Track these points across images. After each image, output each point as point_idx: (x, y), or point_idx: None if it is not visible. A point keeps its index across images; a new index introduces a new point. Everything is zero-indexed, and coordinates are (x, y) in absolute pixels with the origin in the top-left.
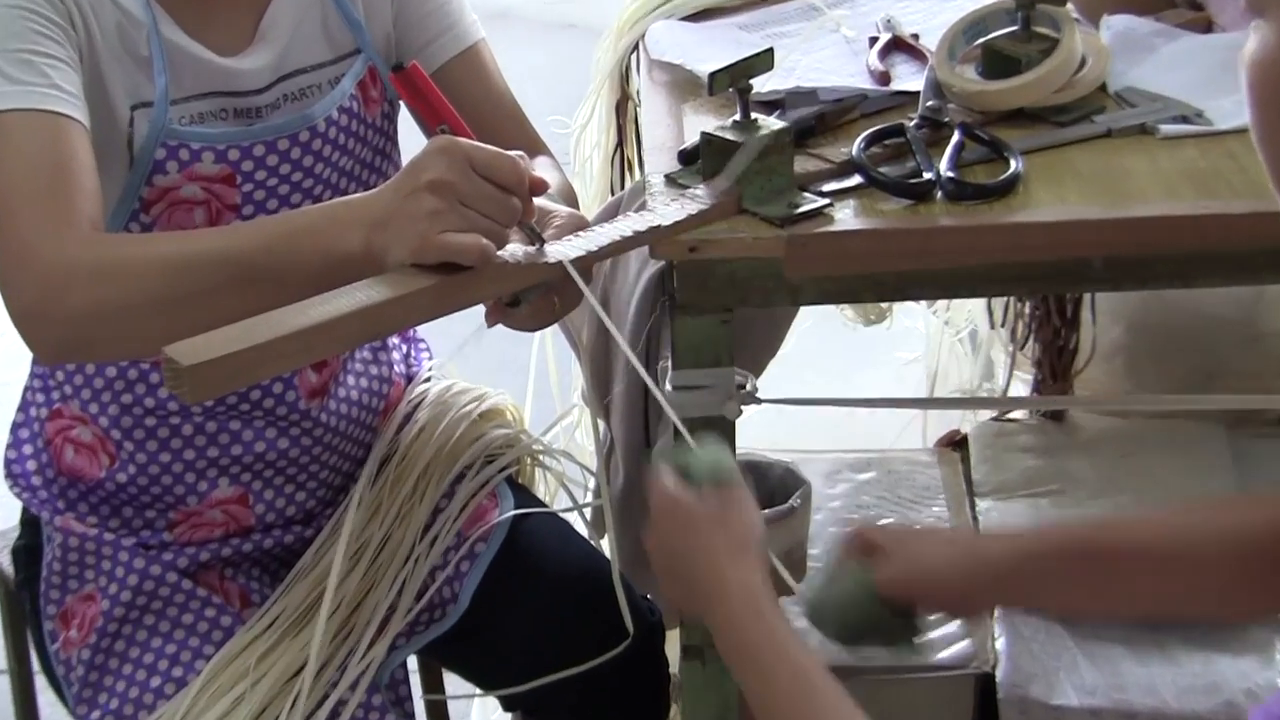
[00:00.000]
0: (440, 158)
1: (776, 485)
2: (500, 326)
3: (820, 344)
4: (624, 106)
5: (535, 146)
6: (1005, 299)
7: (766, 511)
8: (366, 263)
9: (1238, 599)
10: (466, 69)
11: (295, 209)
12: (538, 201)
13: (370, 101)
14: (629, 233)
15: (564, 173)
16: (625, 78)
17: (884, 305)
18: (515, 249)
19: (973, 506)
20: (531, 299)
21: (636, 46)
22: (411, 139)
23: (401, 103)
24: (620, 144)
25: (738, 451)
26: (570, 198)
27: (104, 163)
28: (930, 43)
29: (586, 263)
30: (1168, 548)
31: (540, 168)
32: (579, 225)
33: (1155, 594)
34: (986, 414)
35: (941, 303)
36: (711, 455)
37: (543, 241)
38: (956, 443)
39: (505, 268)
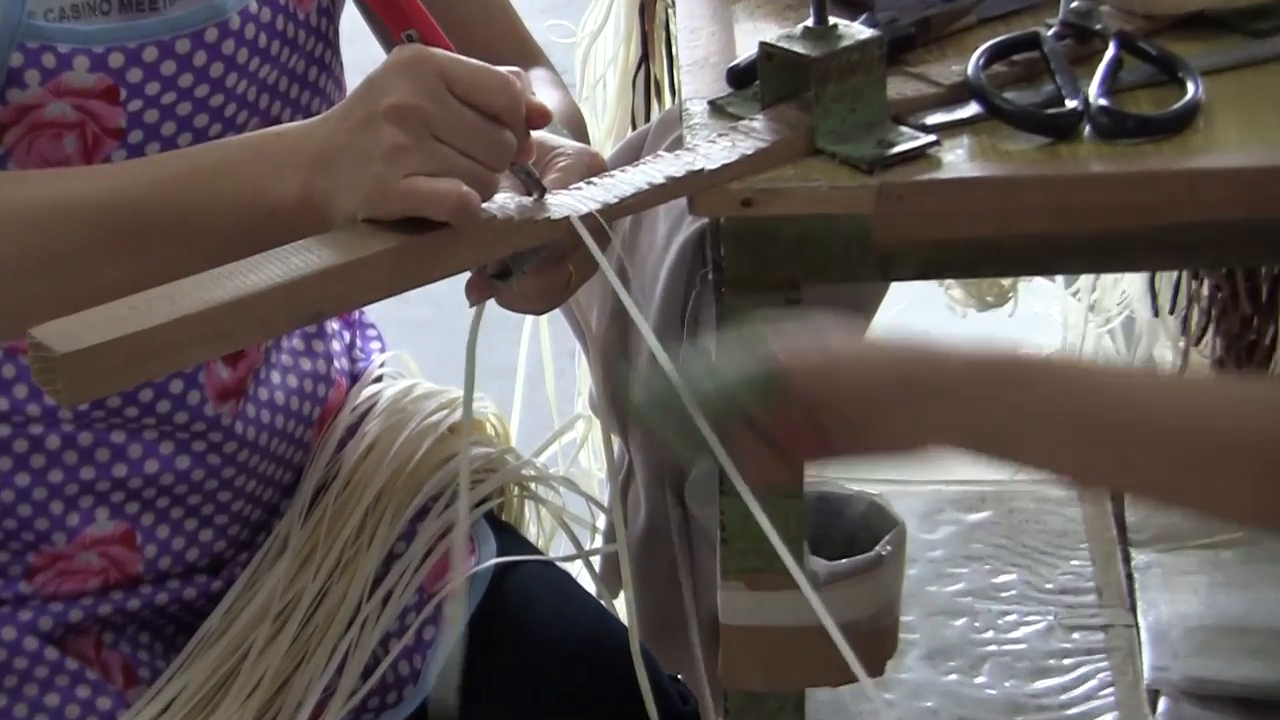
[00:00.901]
0: (406, 75)
1: (858, 526)
2: (485, 305)
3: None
4: (650, 8)
5: (530, 55)
6: (1175, 275)
7: (845, 562)
8: (303, 214)
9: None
10: None
11: (206, 139)
12: (537, 135)
13: None
14: (661, 179)
15: (569, 92)
16: None
17: (1005, 283)
18: (506, 200)
19: (1126, 560)
20: (528, 268)
21: None
22: (360, 49)
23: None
24: (645, 59)
25: (805, 481)
26: (578, 127)
27: None
28: None
29: (603, 219)
30: (1184, 427)
31: (538, 85)
32: (592, 166)
33: (1166, 482)
34: None
35: (1085, 280)
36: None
37: (544, 190)
38: None
39: (492, 226)
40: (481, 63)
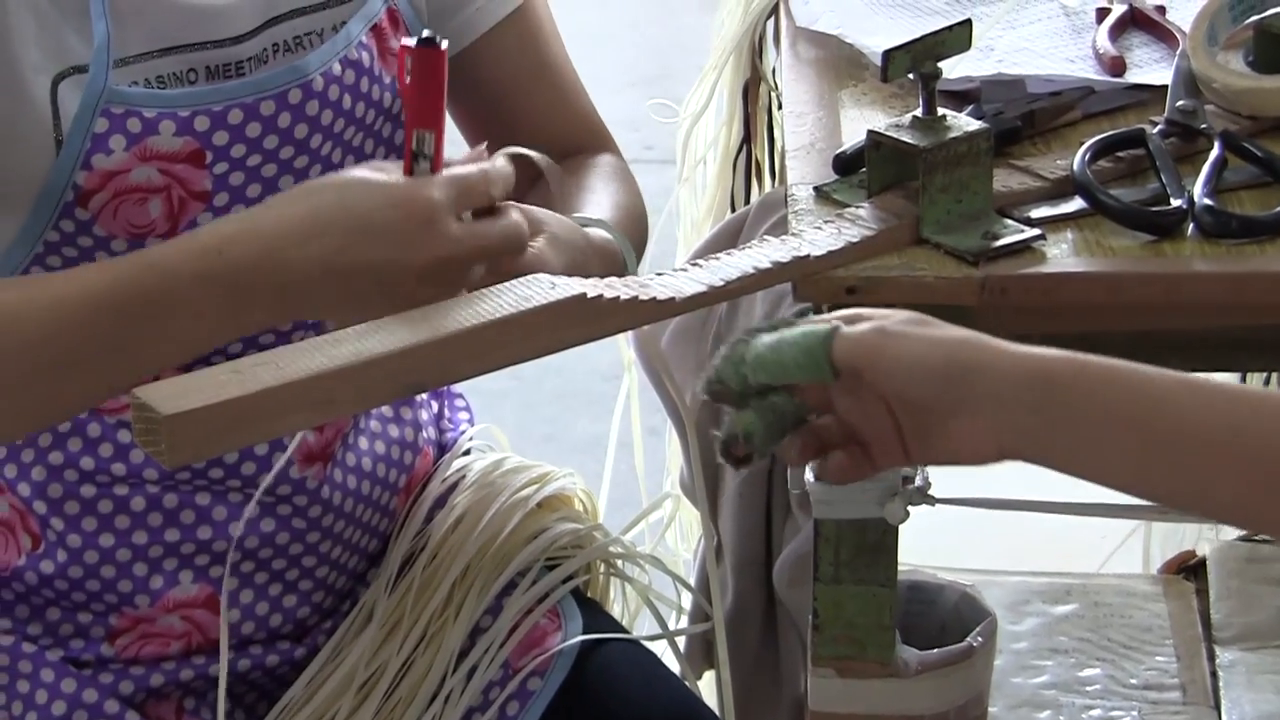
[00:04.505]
0: (426, 231)
1: (949, 616)
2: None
3: None
4: (754, 91)
5: (600, 143)
6: (1266, 375)
7: (936, 652)
8: (266, 325)
9: None
10: (515, 39)
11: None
12: (540, 214)
13: (388, 54)
14: (766, 264)
15: (632, 183)
16: (758, 51)
17: None
18: (614, 280)
19: (1211, 657)
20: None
21: (775, 9)
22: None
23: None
24: (747, 141)
25: (899, 571)
26: (635, 222)
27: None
28: (1182, 19)
29: (707, 301)
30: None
31: (601, 179)
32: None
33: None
34: (1233, 532)
35: None
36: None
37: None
38: (1190, 568)
39: (598, 305)
40: (466, 172)
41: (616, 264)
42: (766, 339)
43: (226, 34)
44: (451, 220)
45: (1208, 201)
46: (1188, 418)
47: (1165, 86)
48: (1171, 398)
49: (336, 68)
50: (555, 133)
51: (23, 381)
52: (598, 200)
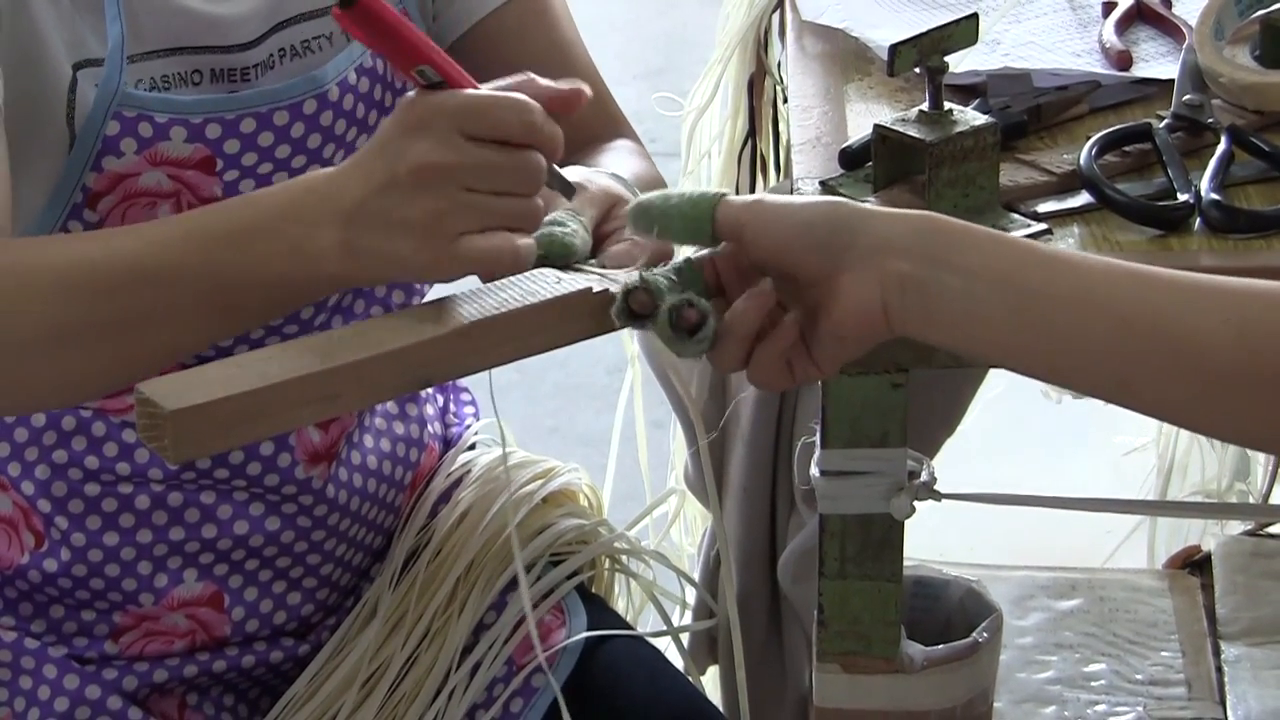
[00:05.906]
0: (420, 133)
1: (955, 611)
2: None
3: (1010, 421)
4: (759, 85)
5: (615, 127)
6: None
7: (941, 647)
8: (344, 272)
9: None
10: (524, 16)
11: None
12: (602, 185)
13: None
14: None
15: (651, 163)
16: (763, 45)
17: None
18: (620, 274)
19: (1216, 652)
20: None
21: (780, 2)
22: None
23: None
24: (752, 135)
25: (904, 565)
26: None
27: (28, 141)
28: (1189, 13)
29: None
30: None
31: (620, 155)
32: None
33: (1101, 369)
34: (1238, 526)
35: None
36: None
37: (572, 190)
38: (1195, 563)
39: (605, 300)
40: (486, 92)
41: None
42: (662, 191)
43: (233, 40)
44: (451, 130)
45: (1215, 196)
46: (1084, 279)
47: (1172, 81)
48: (1064, 259)
49: (352, 76)
50: (573, 119)
51: (109, 322)
52: (614, 163)
